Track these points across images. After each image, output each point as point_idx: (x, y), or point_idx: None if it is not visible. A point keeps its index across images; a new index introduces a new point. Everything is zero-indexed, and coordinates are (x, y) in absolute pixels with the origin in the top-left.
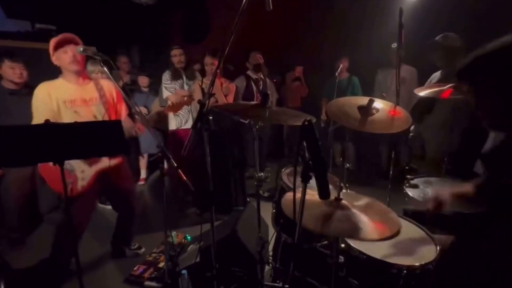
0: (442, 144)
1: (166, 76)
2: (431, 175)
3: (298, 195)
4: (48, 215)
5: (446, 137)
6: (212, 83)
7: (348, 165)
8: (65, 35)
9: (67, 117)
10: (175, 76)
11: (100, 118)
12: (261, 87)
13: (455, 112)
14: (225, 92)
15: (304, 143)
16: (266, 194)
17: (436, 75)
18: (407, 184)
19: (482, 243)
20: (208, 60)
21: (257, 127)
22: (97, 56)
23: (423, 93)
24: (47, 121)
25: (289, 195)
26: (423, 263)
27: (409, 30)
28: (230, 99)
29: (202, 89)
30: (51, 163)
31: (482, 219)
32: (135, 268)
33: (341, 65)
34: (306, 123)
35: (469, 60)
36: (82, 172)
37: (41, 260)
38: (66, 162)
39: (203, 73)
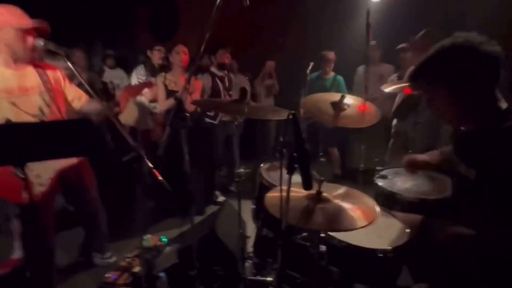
0: (425, 141)
1: (140, 71)
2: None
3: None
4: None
5: (430, 135)
6: (189, 80)
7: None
8: (41, 23)
9: (2, 111)
10: (152, 73)
11: (46, 110)
12: (227, 84)
13: None
14: (190, 90)
15: (281, 138)
16: (233, 188)
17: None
18: (377, 175)
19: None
20: (179, 49)
21: (236, 123)
22: (60, 51)
23: (388, 89)
24: (8, 120)
25: (272, 194)
26: (396, 245)
27: (387, 29)
28: (195, 97)
29: (166, 86)
30: None
31: (446, 205)
32: (107, 275)
33: (312, 64)
34: (291, 116)
35: (422, 61)
36: (37, 177)
37: None
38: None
39: (165, 69)
